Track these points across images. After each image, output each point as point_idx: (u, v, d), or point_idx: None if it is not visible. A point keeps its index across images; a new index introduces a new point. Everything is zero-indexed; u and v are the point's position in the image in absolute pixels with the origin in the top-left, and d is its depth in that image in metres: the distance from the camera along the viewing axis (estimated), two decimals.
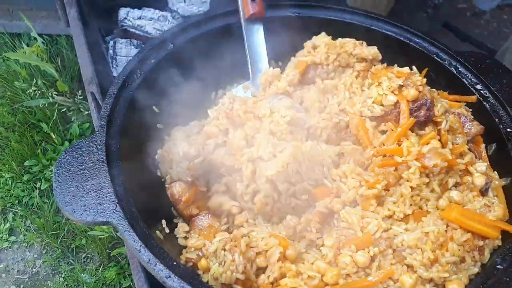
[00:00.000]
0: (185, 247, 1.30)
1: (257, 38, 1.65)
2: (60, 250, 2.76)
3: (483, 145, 1.45)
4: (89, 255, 2.79)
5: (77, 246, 2.78)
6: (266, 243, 1.17)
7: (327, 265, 1.12)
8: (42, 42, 3.06)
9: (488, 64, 1.57)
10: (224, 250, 1.17)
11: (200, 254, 1.22)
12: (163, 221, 1.37)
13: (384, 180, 1.23)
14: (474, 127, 1.42)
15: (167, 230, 1.35)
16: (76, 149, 1.26)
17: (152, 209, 1.41)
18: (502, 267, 1.15)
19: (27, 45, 3.22)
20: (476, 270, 1.19)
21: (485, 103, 1.49)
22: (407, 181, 1.25)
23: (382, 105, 1.40)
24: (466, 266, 1.18)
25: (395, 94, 1.39)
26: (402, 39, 1.67)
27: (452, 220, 1.21)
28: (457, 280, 1.13)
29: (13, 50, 3.25)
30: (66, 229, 2.81)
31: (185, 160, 1.38)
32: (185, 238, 1.33)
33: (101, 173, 1.22)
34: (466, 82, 1.55)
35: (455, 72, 1.56)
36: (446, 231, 1.21)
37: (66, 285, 2.63)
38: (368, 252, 1.16)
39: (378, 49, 1.59)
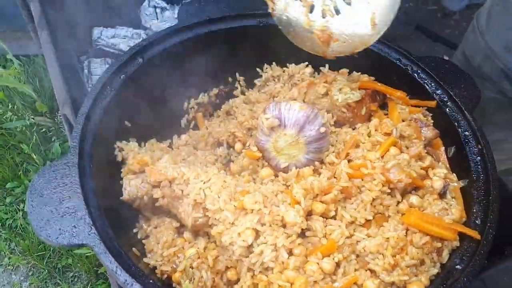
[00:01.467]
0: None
1: None
2: (46, 271, 2.78)
3: (442, 148, 1.53)
4: (76, 274, 2.82)
5: (63, 266, 2.81)
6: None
7: (295, 274, 1.18)
8: (19, 64, 3.09)
9: (447, 69, 1.65)
10: (192, 268, 1.24)
11: (174, 266, 1.28)
12: (138, 235, 1.45)
13: (339, 185, 1.30)
14: (430, 132, 1.49)
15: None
16: (49, 172, 1.29)
17: (128, 224, 1.47)
18: (460, 267, 1.22)
19: (3, 67, 3.26)
20: (436, 271, 1.26)
21: (444, 107, 1.56)
22: (369, 190, 1.32)
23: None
24: (426, 268, 1.25)
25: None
26: None
27: (411, 225, 1.28)
28: (417, 281, 1.20)
29: None
30: (52, 249, 2.83)
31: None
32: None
33: (75, 195, 1.25)
34: (427, 87, 1.62)
35: (417, 78, 1.64)
36: (406, 235, 1.28)
37: None
38: (333, 259, 1.23)
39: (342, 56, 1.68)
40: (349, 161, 1.40)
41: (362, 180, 1.33)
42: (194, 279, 1.20)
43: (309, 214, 1.30)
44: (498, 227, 1.31)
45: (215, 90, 1.85)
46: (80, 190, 1.25)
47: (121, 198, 1.41)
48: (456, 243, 1.30)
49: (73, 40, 2.27)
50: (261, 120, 1.40)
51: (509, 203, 1.43)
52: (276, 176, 1.43)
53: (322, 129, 1.39)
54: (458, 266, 1.23)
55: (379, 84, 1.56)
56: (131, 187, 1.40)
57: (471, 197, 1.38)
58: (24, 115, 3.11)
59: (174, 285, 1.28)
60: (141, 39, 2.36)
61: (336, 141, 1.49)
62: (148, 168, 1.39)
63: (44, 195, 1.24)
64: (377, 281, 1.18)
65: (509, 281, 1.52)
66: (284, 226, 1.25)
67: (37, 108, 3.11)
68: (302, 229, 1.25)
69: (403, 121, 1.50)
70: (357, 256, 1.26)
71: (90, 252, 2.72)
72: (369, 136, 1.46)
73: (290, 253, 1.23)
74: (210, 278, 1.20)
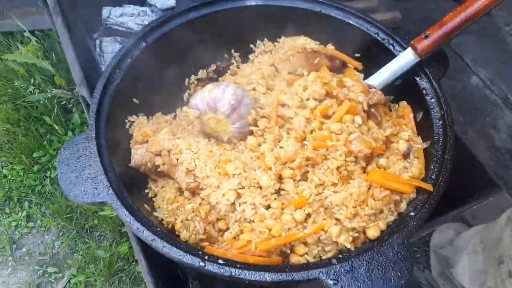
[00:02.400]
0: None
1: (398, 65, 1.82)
2: (75, 231, 3.19)
3: (411, 114, 1.82)
4: (102, 233, 3.21)
5: (90, 226, 3.21)
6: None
7: (273, 222, 1.53)
8: (36, 41, 3.43)
9: None
10: (187, 220, 1.62)
11: (176, 218, 1.65)
12: (149, 194, 1.83)
13: (301, 153, 1.59)
14: (378, 96, 1.77)
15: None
16: (73, 145, 1.64)
17: (140, 185, 1.84)
18: (413, 214, 1.52)
19: (21, 42, 3.60)
20: (393, 218, 1.57)
21: (415, 77, 1.84)
22: (334, 159, 1.61)
23: None
24: (384, 216, 1.56)
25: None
26: (345, 19, 1.97)
27: (374, 182, 1.58)
28: (375, 226, 1.52)
29: (8, 49, 3.66)
30: (78, 212, 3.23)
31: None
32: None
33: (95, 163, 1.59)
34: None
35: (393, 50, 1.91)
36: (369, 189, 1.59)
37: (85, 261, 3.08)
38: (304, 211, 1.56)
39: (321, 30, 1.99)
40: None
41: (327, 150, 1.62)
42: (189, 228, 1.59)
43: (282, 177, 1.64)
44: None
45: (213, 66, 2.17)
46: (98, 159, 1.60)
47: (129, 164, 1.78)
48: (413, 195, 1.60)
49: (85, 21, 2.60)
50: None
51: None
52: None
53: (232, 102, 1.66)
54: (411, 213, 1.53)
55: (339, 52, 1.89)
56: (137, 155, 1.76)
57: (431, 157, 1.66)
58: (44, 88, 3.47)
59: (177, 233, 1.66)
60: (147, 16, 2.66)
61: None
62: (151, 139, 1.74)
63: (70, 164, 1.60)
64: (340, 227, 1.51)
65: None
66: (260, 188, 1.60)
67: (55, 81, 3.47)
68: (276, 190, 1.60)
69: None
70: (326, 208, 1.59)
71: (112, 214, 3.09)
72: (305, 90, 1.74)
73: (269, 207, 1.58)
74: (202, 227, 1.59)
